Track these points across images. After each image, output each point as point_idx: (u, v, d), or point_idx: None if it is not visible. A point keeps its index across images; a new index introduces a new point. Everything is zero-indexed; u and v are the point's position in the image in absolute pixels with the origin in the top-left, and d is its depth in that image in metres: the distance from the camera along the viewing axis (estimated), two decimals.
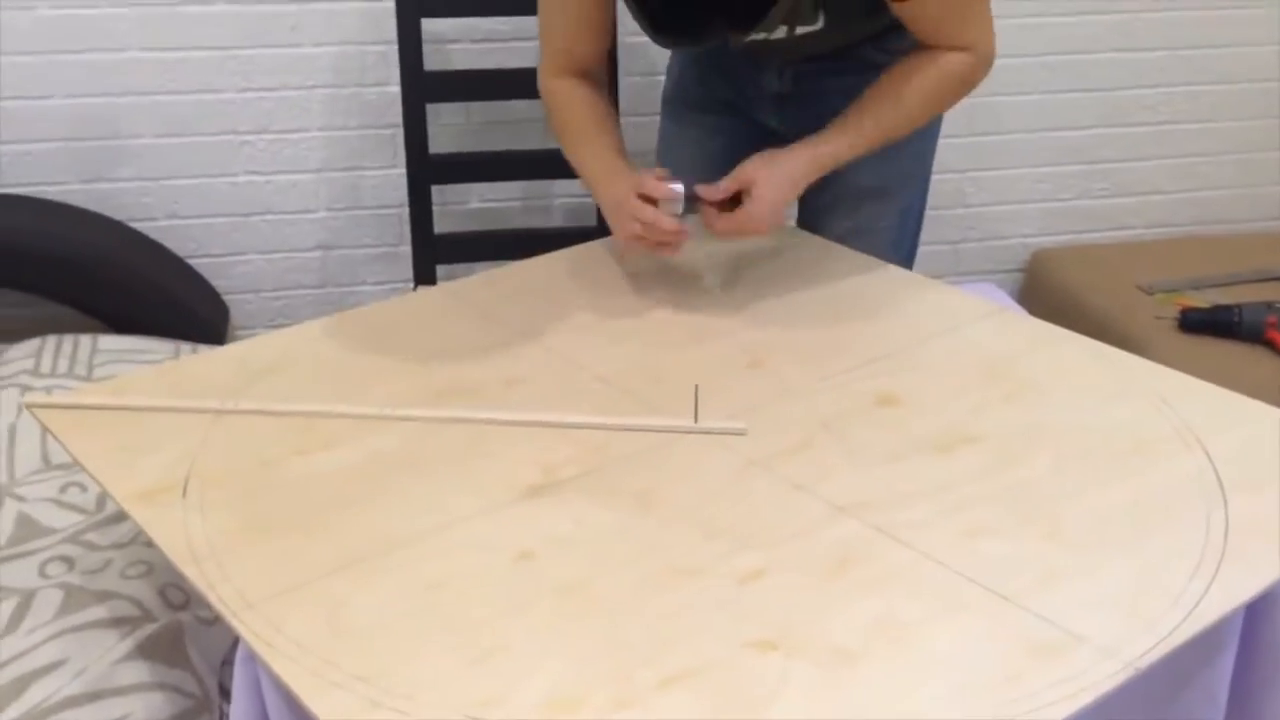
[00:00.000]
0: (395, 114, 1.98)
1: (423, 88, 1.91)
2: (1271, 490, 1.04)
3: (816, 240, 1.55)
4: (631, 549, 0.97)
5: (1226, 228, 2.54)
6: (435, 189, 1.95)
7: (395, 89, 1.97)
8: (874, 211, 1.58)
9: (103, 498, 1.40)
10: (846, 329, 1.33)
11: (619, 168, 1.40)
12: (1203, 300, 2.15)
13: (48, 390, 1.61)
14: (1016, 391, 1.20)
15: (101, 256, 1.94)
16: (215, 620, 1.24)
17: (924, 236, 2.37)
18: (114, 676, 1.14)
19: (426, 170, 1.92)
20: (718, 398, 1.18)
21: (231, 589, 0.93)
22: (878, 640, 0.88)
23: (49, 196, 2.02)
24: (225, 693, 1.18)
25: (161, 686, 1.15)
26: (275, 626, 0.89)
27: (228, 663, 1.21)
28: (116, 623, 1.20)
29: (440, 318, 1.36)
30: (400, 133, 1.94)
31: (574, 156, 1.47)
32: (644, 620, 0.90)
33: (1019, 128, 2.36)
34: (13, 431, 1.53)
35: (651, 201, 1.33)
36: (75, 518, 1.38)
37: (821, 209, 1.59)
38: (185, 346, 1.82)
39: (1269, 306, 2.02)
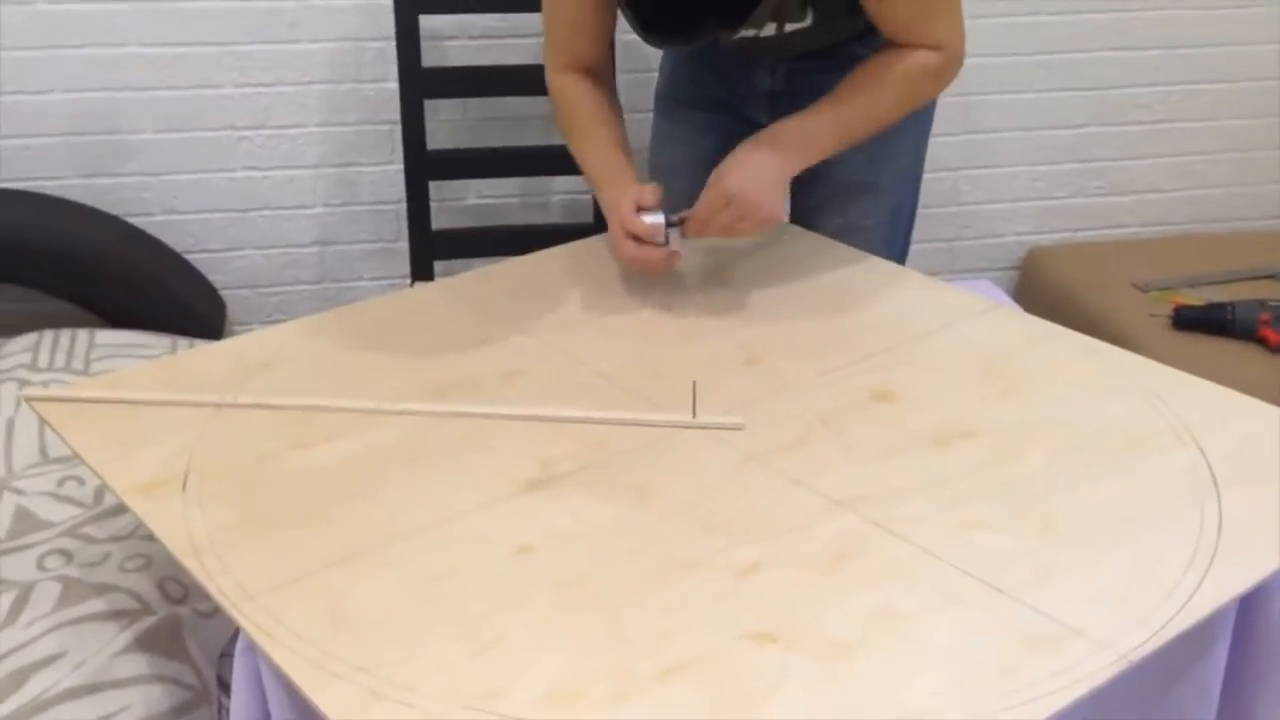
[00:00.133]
0: (393, 110, 1.99)
1: (420, 84, 1.91)
2: (1265, 485, 1.05)
3: (813, 237, 1.55)
4: (630, 543, 0.98)
5: (1222, 226, 2.55)
6: (433, 185, 1.95)
7: (393, 85, 1.97)
8: (865, 208, 1.58)
9: (101, 491, 1.41)
10: (843, 325, 1.34)
11: (619, 169, 1.41)
12: (1197, 298, 2.16)
13: (45, 384, 1.61)
14: (1012, 387, 1.21)
15: (100, 251, 1.94)
16: (214, 613, 1.24)
17: (919, 234, 2.38)
18: (113, 669, 1.14)
19: (424, 166, 1.93)
20: (716, 393, 1.18)
21: (232, 581, 0.94)
22: (875, 633, 0.88)
23: (48, 191, 2.02)
24: (224, 685, 1.19)
25: (160, 679, 1.15)
26: (276, 618, 0.90)
27: (226, 655, 1.21)
28: (115, 615, 1.21)
29: (438, 313, 1.36)
30: (398, 129, 1.94)
31: (577, 154, 1.48)
32: (643, 613, 0.90)
33: (1015, 126, 2.37)
34: (10, 425, 1.53)
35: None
36: (73, 511, 1.38)
37: (813, 207, 1.60)
38: (183, 341, 1.83)
39: (1262, 304, 2.03)
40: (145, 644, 1.18)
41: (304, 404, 1.17)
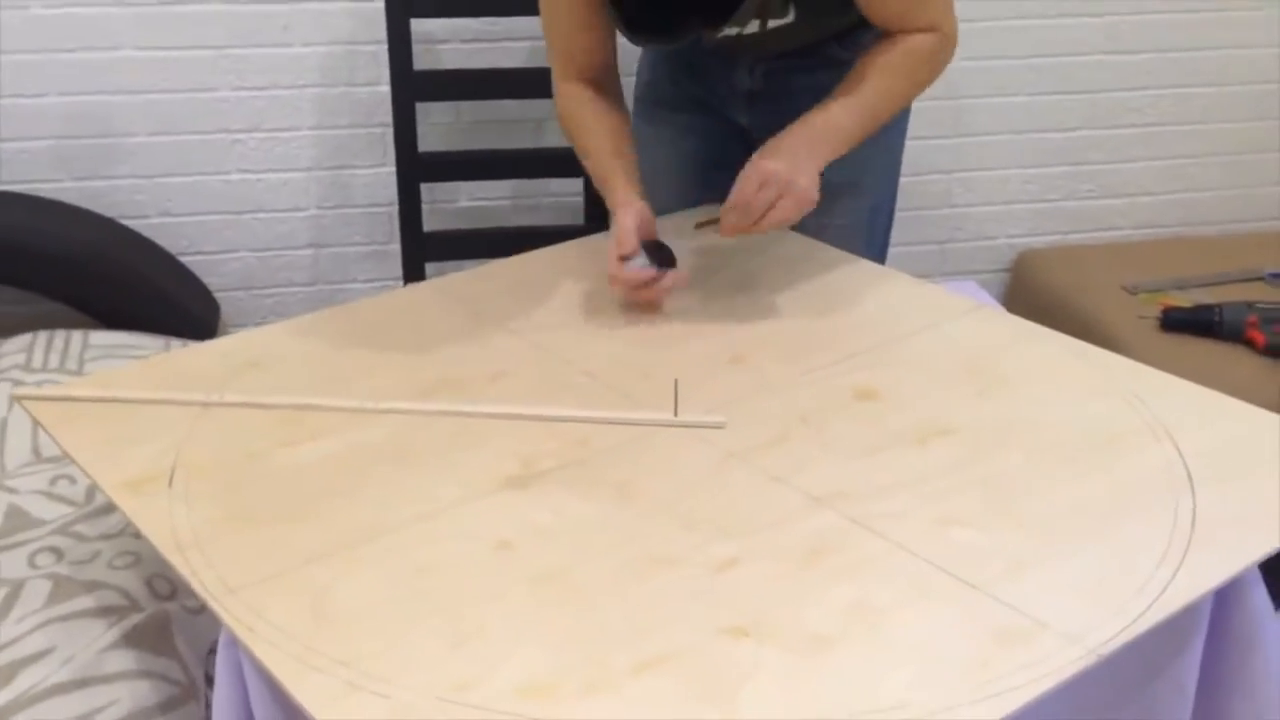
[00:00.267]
0: (385, 113, 2.00)
1: (412, 87, 1.92)
2: (1239, 482, 1.06)
3: (800, 238, 1.56)
4: (609, 539, 0.99)
5: (1213, 229, 2.56)
6: (425, 187, 1.96)
7: (385, 88, 1.98)
8: (845, 207, 1.59)
9: (92, 490, 1.42)
10: (828, 325, 1.35)
11: (615, 186, 1.42)
12: (1186, 300, 2.17)
13: (39, 385, 1.62)
14: (993, 386, 1.22)
15: (94, 254, 1.95)
16: (201, 610, 1.25)
17: (911, 236, 2.41)
18: (101, 664, 1.16)
19: (416, 169, 1.94)
20: (699, 392, 1.20)
21: (215, 576, 0.95)
22: (848, 627, 0.89)
23: (43, 194, 2.04)
24: (211, 680, 1.20)
25: (148, 674, 1.16)
26: (257, 612, 0.91)
27: (214, 651, 1.22)
28: (104, 612, 1.22)
29: (427, 313, 1.38)
30: (390, 131, 1.96)
31: (586, 165, 1.49)
32: (619, 608, 0.91)
33: (1006, 129, 2.38)
34: (3, 425, 1.54)
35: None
36: (65, 509, 1.39)
37: None
38: (176, 343, 1.84)
39: (1250, 306, 2.03)
40: (133, 640, 1.19)
41: (291, 402, 1.18)
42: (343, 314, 1.38)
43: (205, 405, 1.18)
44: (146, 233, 2.09)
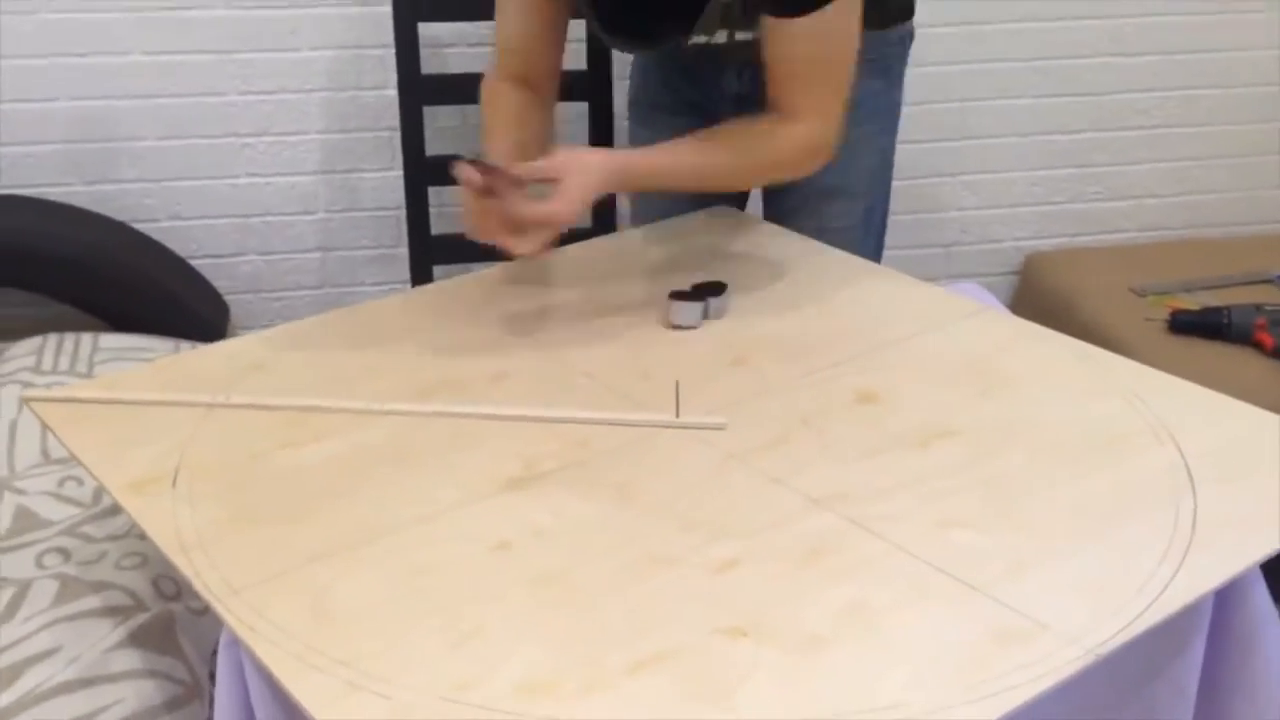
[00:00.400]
0: (392, 117, 2.01)
1: (419, 91, 1.94)
2: (1241, 483, 1.06)
3: (803, 239, 1.57)
4: (608, 540, 1.00)
5: (1219, 231, 2.55)
6: (432, 190, 1.97)
7: (392, 92, 1.99)
8: (838, 211, 1.60)
9: (99, 491, 1.43)
10: (830, 326, 1.35)
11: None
12: (1193, 302, 2.16)
13: (49, 387, 1.63)
14: (995, 388, 1.22)
15: (104, 257, 1.97)
16: (206, 610, 1.26)
17: (916, 239, 2.41)
18: (106, 664, 1.16)
19: (423, 172, 1.95)
20: (701, 394, 1.20)
21: (217, 576, 0.96)
22: (846, 627, 0.90)
23: (53, 198, 2.05)
24: (215, 680, 1.21)
25: (152, 674, 1.17)
26: (259, 612, 0.92)
27: (218, 651, 1.23)
28: (110, 612, 1.23)
29: (430, 315, 1.38)
30: (397, 135, 1.97)
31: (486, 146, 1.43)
32: (618, 608, 0.92)
33: (1012, 131, 2.38)
34: (13, 427, 1.56)
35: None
36: (72, 510, 1.40)
37: (788, 211, 1.62)
38: (185, 345, 1.85)
39: (1258, 308, 2.03)
40: (138, 640, 1.20)
41: (294, 404, 1.19)
42: (345, 316, 1.39)
43: (210, 407, 1.19)
44: (156, 236, 2.10)
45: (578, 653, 0.87)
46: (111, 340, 1.80)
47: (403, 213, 1.99)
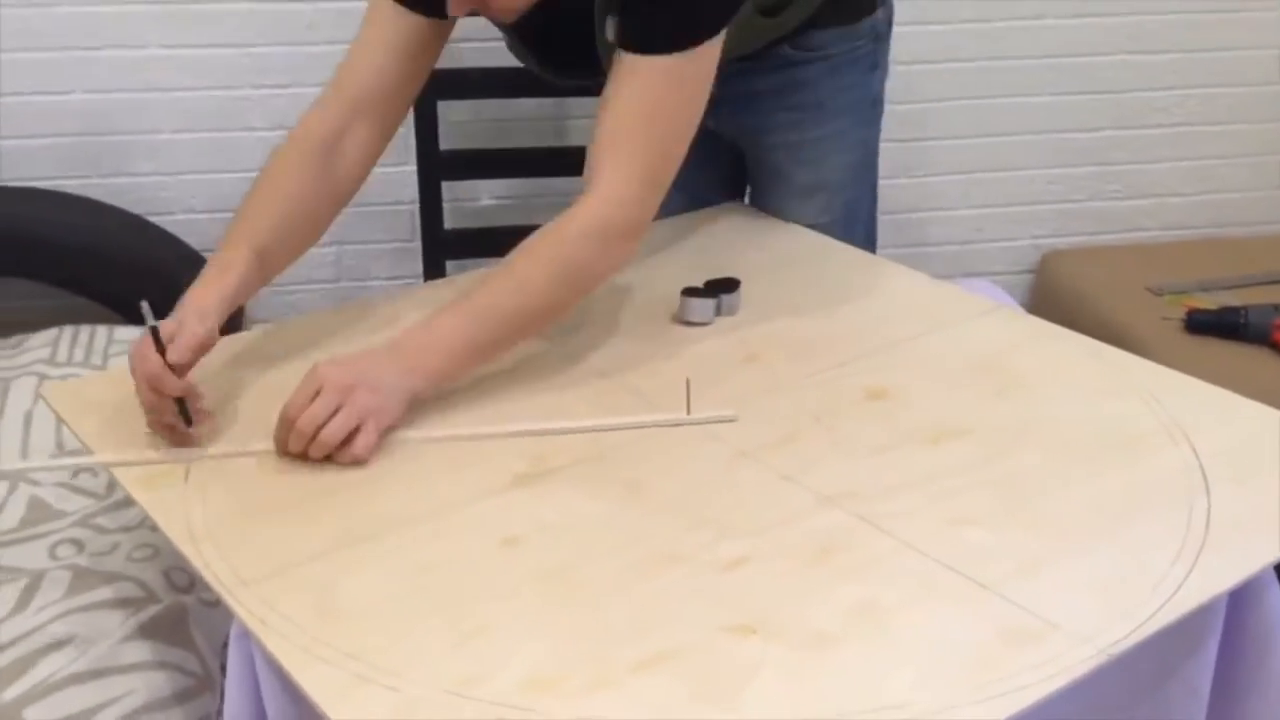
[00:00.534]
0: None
1: (433, 86, 1.91)
2: (1256, 484, 1.05)
3: (815, 236, 1.56)
4: (617, 537, 0.99)
5: (1239, 230, 2.53)
6: (446, 185, 1.97)
7: None
8: (819, 207, 1.59)
9: (112, 483, 1.43)
10: (842, 324, 1.35)
11: (216, 276, 1.19)
12: (1211, 302, 2.15)
13: (63, 379, 1.64)
14: (1008, 386, 1.22)
15: (119, 249, 1.97)
16: (218, 602, 1.25)
17: (933, 236, 2.40)
18: (118, 655, 1.17)
19: (437, 167, 1.95)
20: (711, 391, 1.19)
21: (228, 568, 0.96)
22: (854, 625, 0.89)
23: (68, 190, 2.06)
24: (225, 671, 1.21)
25: (164, 665, 1.17)
26: (269, 605, 0.92)
27: (229, 643, 1.24)
28: (122, 603, 1.23)
29: None
30: (412, 130, 1.96)
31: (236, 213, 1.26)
32: (626, 605, 0.92)
33: (1029, 129, 2.37)
34: (28, 418, 1.56)
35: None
36: (85, 502, 1.41)
37: (770, 211, 1.62)
38: None
39: (1276, 309, 2.01)
40: (150, 631, 1.20)
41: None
42: (358, 310, 1.39)
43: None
44: (171, 229, 2.11)
45: (585, 649, 0.87)
46: (126, 333, 1.81)
47: (416, 207, 1.99)
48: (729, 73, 1.50)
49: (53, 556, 1.31)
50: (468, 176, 2.11)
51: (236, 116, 2.08)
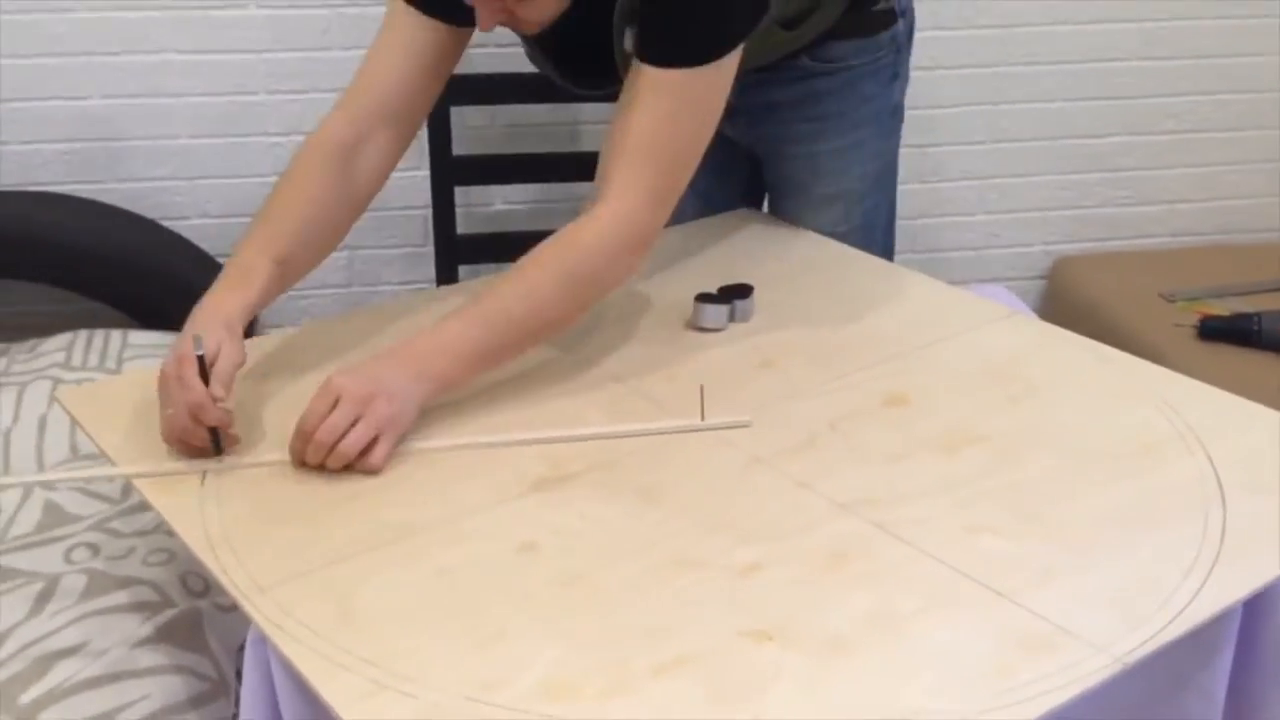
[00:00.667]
0: None
1: (447, 90, 1.91)
2: (1272, 494, 1.05)
3: (830, 243, 1.56)
4: (633, 542, 1.00)
5: (1251, 237, 2.53)
6: (458, 190, 1.97)
7: None
8: (838, 216, 1.59)
9: (127, 487, 1.44)
10: (857, 330, 1.35)
11: (240, 285, 1.19)
12: (1224, 308, 2.15)
13: (78, 383, 1.65)
14: (1023, 393, 1.21)
15: (134, 254, 1.98)
16: (233, 607, 1.26)
17: (945, 242, 2.40)
18: (133, 659, 1.17)
19: (450, 172, 1.95)
20: (727, 397, 1.20)
21: (244, 574, 0.96)
22: (871, 633, 0.89)
23: (84, 195, 2.07)
24: (241, 677, 1.21)
25: (179, 670, 1.18)
26: (286, 611, 0.92)
27: (244, 648, 1.24)
28: (137, 608, 1.23)
29: None
30: (424, 134, 1.97)
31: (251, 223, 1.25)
32: (642, 610, 0.92)
33: (1042, 135, 2.37)
34: (43, 422, 1.57)
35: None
36: (100, 506, 1.41)
37: (785, 215, 1.62)
38: None
39: None
40: (165, 636, 1.20)
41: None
42: (371, 315, 1.40)
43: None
44: (185, 234, 2.12)
45: (602, 654, 0.87)
46: (141, 337, 1.81)
47: (429, 212, 2.00)
48: (748, 83, 1.50)
49: (68, 561, 1.31)
50: (481, 182, 2.12)
51: (251, 122, 2.08)
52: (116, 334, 1.81)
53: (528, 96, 2.04)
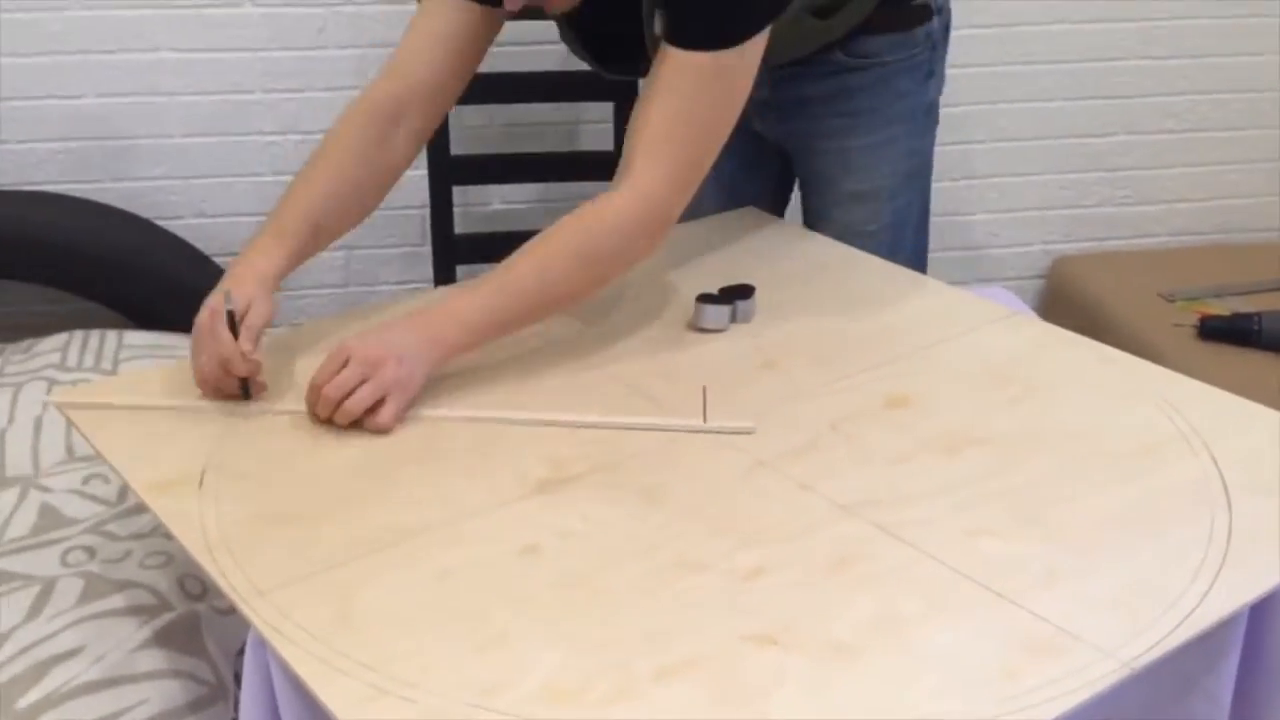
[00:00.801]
0: None
1: None
2: (1277, 496, 1.05)
3: (832, 243, 1.56)
4: (636, 545, 0.99)
5: (1251, 236, 2.53)
6: (457, 190, 1.97)
7: None
8: (867, 215, 1.58)
9: (124, 490, 1.43)
10: (859, 331, 1.34)
11: (273, 246, 1.24)
12: (1224, 308, 2.14)
13: (74, 384, 1.64)
14: (1025, 395, 1.21)
15: (129, 254, 1.97)
16: (231, 610, 1.25)
17: (945, 242, 2.39)
18: (131, 663, 1.16)
19: (448, 172, 1.94)
20: (729, 398, 1.19)
21: (243, 577, 0.95)
22: (875, 636, 0.89)
23: (79, 194, 2.06)
24: (240, 681, 1.20)
25: (177, 674, 1.17)
26: (285, 614, 0.91)
27: (243, 652, 1.23)
28: (135, 611, 1.23)
29: None
30: None
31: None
32: (645, 614, 0.91)
33: (1042, 134, 2.36)
34: (38, 424, 1.56)
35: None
36: (97, 509, 1.40)
37: (817, 214, 1.61)
38: None
39: None
40: (163, 640, 1.20)
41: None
42: (369, 315, 1.39)
43: (235, 406, 1.18)
44: (181, 233, 2.11)
45: (605, 658, 0.86)
46: (136, 337, 1.81)
47: (427, 211, 1.99)
48: (780, 77, 1.51)
49: (64, 564, 1.30)
50: (479, 181, 2.11)
51: (247, 121, 2.08)
52: (112, 334, 1.80)
53: (526, 96, 2.04)
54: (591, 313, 1.37)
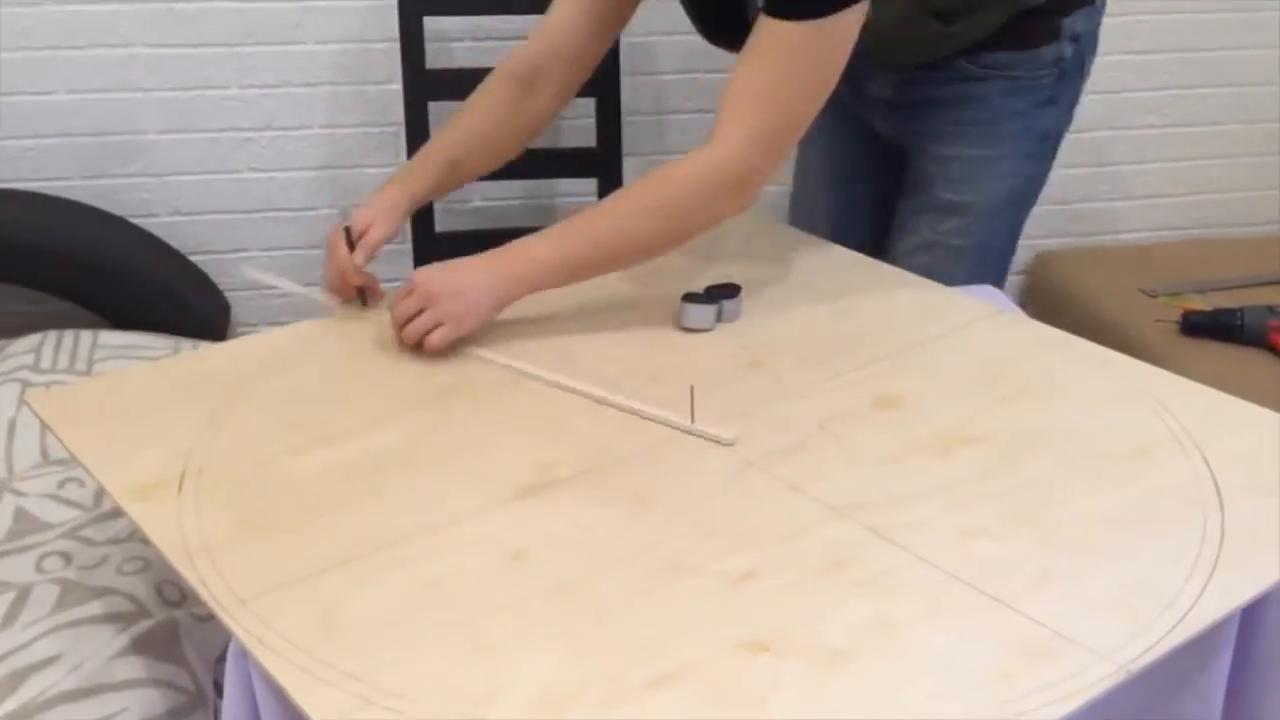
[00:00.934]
0: (397, 112, 1.99)
1: (425, 86, 1.91)
2: (1269, 495, 1.04)
3: (818, 242, 1.55)
4: (626, 549, 0.97)
5: (1233, 231, 2.53)
6: None
7: (397, 87, 1.97)
8: (955, 227, 1.55)
9: (100, 493, 1.41)
10: (847, 331, 1.33)
11: (408, 176, 1.41)
12: (1206, 304, 2.14)
13: (48, 385, 1.61)
14: (1015, 394, 1.20)
15: (104, 253, 1.94)
16: (210, 617, 1.23)
17: None
18: (109, 672, 1.14)
19: None
20: (716, 398, 1.18)
21: (224, 585, 0.93)
22: (869, 640, 0.87)
23: (52, 192, 2.03)
24: (220, 689, 1.18)
25: (156, 682, 1.15)
26: (266, 623, 0.89)
27: (223, 659, 1.21)
28: (112, 618, 1.20)
29: None
30: (403, 130, 1.95)
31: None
32: (636, 620, 0.89)
33: None
34: (12, 426, 1.53)
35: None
36: (73, 513, 1.38)
37: (905, 219, 1.59)
38: (185, 343, 1.83)
39: (1271, 310, 2.01)
40: (142, 647, 1.17)
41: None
42: (354, 315, 1.37)
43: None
44: (156, 232, 2.08)
45: (597, 665, 0.85)
46: (111, 338, 1.78)
47: None
48: (907, 79, 1.50)
49: (40, 570, 1.28)
50: None
51: (223, 117, 2.05)
52: (86, 334, 1.77)
53: None
54: (576, 311, 1.36)
